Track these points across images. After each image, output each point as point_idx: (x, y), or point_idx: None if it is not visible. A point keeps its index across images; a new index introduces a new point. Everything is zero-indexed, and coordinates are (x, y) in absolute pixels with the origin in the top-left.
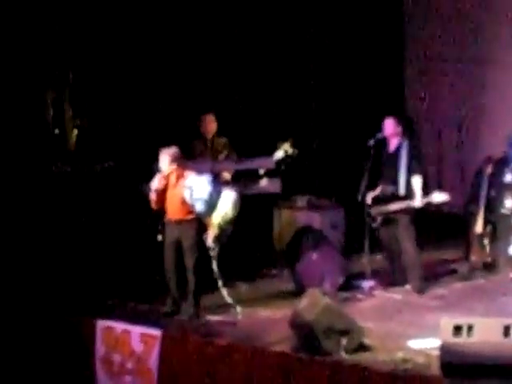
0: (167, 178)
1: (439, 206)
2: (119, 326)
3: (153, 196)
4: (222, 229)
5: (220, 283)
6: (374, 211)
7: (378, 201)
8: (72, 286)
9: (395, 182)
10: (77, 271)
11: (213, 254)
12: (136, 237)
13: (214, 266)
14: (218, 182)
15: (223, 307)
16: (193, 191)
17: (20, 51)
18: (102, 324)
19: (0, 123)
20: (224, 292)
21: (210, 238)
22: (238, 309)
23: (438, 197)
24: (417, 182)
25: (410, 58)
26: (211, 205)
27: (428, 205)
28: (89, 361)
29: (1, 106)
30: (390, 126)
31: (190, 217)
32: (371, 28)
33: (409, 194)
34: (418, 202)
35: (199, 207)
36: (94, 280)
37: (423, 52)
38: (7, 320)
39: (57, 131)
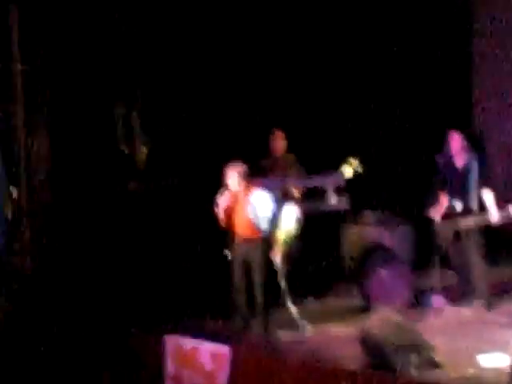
0: (236, 195)
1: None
2: (188, 343)
3: (221, 214)
4: (287, 245)
5: (288, 301)
6: (443, 227)
7: (447, 216)
8: (142, 303)
9: (464, 197)
10: (148, 288)
11: (281, 271)
12: (206, 253)
13: (283, 284)
14: (279, 199)
15: (292, 324)
16: (256, 209)
17: (90, 67)
18: (171, 341)
19: (70, 139)
20: (293, 310)
21: (277, 256)
22: (307, 326)
23: None
24: (489, 196)
25: (478, 69)
26: (274, 222)
27: (504, 219)
28: (159, 378)
29: (71, 123)
30: (456, 141)
31: (258, 235)
32: (439, 37)
33: (479, 210)
34: (495, 216)
35: (263, 225)
36: (163, 297)
37: (492, 64)
38: (77, 335)
39: (126, 150)
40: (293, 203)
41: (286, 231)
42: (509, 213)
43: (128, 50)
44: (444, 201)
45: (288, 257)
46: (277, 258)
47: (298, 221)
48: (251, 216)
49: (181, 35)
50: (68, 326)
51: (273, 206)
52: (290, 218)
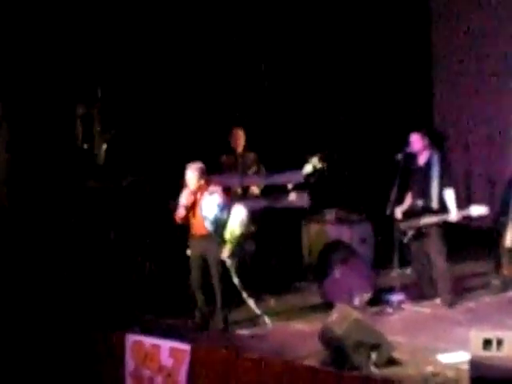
0: (195, 193)
1: (472, 219)
2: (148, 341)
3: (181, 212)
4: (233, 244)
5: (244, 295)
6: (404, 225)
7: (408, 215)
8: (101, 301)
9: (426, 196)
10: (106, 286)
11: (230, 267)
12: (165, 251)
13: (235, 279)
14: (227, 204)
15: (252, 321)
16: (202, 209)
17: (49, 67)
18: (131, 338)
19: (30, 138)
20: (251, 303)
21: (224, 252)
22: (267, 319)
23: (477, 210)
24: (450, 195)
25: (439, 71)
26: (219, 224)
27: (464, 218)
28: (119, 376)
29: (31, 122)
30: (416, 141)
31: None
32: (400, 41)
33: (440, 208)
34: (454, 215)
35: (207, 225)
36: (123, 294)
37: (452, 65)
38: (36, 334)
39: (86, 146)
40: (241, 204)
41: (230, 231)
42: (469, 212)
43: (88, 49)
44: (407, 199)
45: (240, 255)
46: (224, 256)
47: (244, 222)
48: (202, 214)
49: (138, 34)
50: (28, 325)
51: (217, 209)
52: (237, 219)
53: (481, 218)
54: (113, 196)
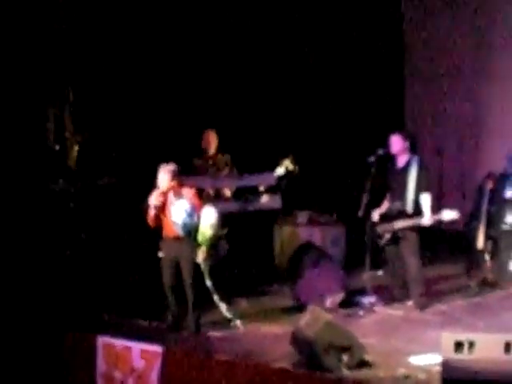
0: (165, 194)
1: (446, 223)
2: (120, 343)
3: (151, 212)
4: (206, 246)
5: (216, 298)
6: (380, 228)
7: (385, 218)
8: (73, 302)
9: (403, 199)
10: (77, 287)
11: (203, 269)
12: (137, 253)
13: (207, 281)
14: (195, 208)
15: (224, 323)
16: (171, 213)
17: (20, 68)
18: (102, 340)
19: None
20: (222, 306)
21: (198, 255)
22: (238, 322)
23: (448, 214)
24: (426, 199)
25: (410, 73)
26: (190, 229)
27: (437, 222)
28: (90, 377)
29: (1, 123)
30: (397, 142)
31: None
32: (372, 43)
33: (416, 211)
34: (427, 219)
35: (177, 230)
36: (94, 296)
37: (423, 67)
38: (5, 334)
39: (57, 147)
40: (213, 206)
41: (201, 233)
42: (441, 216)
43: (58, 51)
44: (385, 201)
45: (212, 257)
46: (198, 258)
47: (214, 224)
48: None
49: (110, 35)
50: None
51: (185, 214)
52: (207, 221)
53: (452, 222)
54: (83, 197)
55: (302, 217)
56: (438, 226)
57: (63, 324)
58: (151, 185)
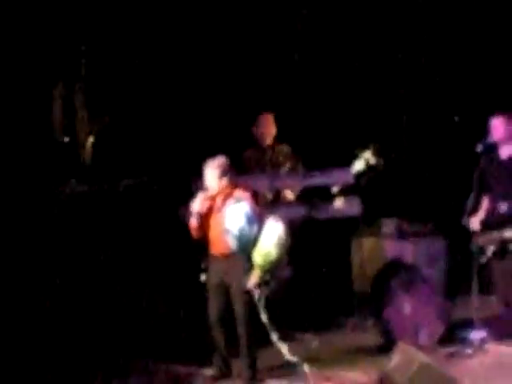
0: (213, 198)
1: None
2: None
3: (193, 222)
4: (265, 271)
5: (274, 337)
6: (483, 239)
7: (488, 225)
8: (93, 342)
9: (510, 200)
10: (97, 322)
11: (257, 300)
12: (174, 276)
13: (264, 317)
14: (258, 216)
15: (287, 369)
16: (225, 221)
17: (24, 39)
18: None
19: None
20: (282, 348)
21: (250, 280)
22: (305, 367)
23: None
24: None
25: None
26: (246, 241)
27: None
28: None
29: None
30: (499, 127)
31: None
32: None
33: None
34: None
35: (231, 242)
36: (117, 334)
37: None
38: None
39: (66, 139)
40: (276, 215)
41: (263, 254)
42: None
43: (69, 19)
44: (485, 204)
45: (272, 284)
46: (251, 285)
47: (281, 241)
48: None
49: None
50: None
51: (244, 220)
52: (272, 237)
53: None
54: (102, 202)
55: (389, 226)
56: None
57: (86, 369)
58: (190, 186)
